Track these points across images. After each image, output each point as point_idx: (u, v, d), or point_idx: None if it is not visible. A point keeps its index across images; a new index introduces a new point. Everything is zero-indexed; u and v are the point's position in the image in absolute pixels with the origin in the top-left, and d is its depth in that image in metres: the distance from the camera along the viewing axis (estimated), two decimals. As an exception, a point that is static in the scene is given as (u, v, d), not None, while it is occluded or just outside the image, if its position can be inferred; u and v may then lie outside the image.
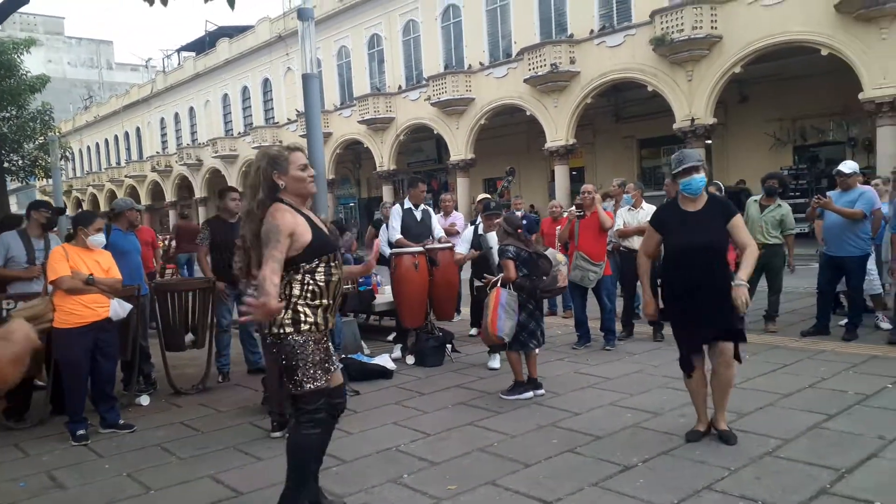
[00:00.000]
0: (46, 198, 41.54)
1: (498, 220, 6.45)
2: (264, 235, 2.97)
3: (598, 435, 4.29)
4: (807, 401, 4.76)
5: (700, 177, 3.94)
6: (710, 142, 19.59)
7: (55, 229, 6.48)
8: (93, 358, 4.81)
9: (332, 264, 3.11)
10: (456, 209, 9.46)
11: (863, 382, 5.11)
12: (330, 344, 3.18)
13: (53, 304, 4.68)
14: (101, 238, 4.97)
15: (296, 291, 3.02)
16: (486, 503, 3.39)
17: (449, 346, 6.79)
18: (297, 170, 3.10)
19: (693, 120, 18.30)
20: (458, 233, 7.74)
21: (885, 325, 6.92)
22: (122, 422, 5.00)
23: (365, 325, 8.37)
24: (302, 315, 3.01)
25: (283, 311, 2.98)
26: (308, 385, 3.02)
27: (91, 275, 4.76)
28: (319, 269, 3.06)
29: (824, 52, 16.01)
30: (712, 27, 17.58)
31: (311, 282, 3.04)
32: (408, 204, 7.16)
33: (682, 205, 4.03)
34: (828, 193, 6.83)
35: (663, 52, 18.37)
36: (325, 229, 3.17)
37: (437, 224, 7.32)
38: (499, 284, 5.26)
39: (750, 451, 3.83)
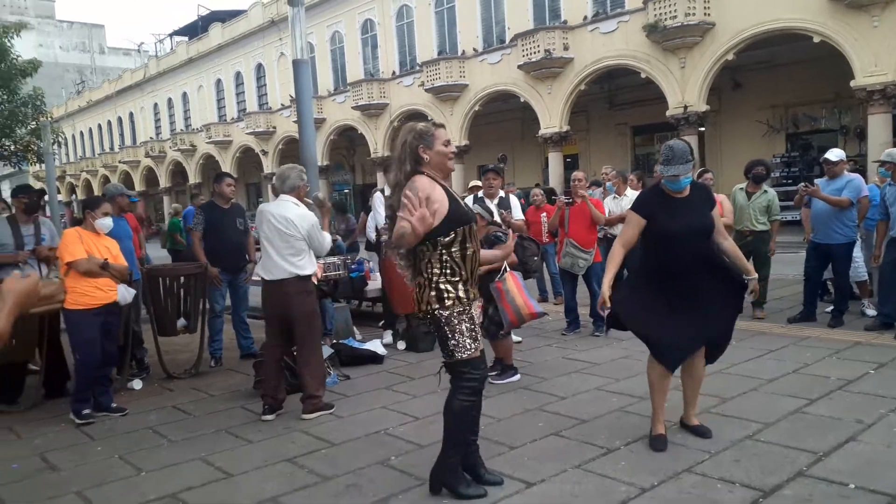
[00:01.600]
0: (40, 183, 41.32)
1: (497, 182, 6.46)
2: (406, 200, 3.12)
3: (584, 419, 4.37)
4: (790, 386, 4.84)
5: (687, 178, 3.81)
6: (703, 129, 19.66)
7: (48, 214, 6.51)
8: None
9: (469, 237, 3.25)
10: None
11: (846, 368, 5.20)
12: (476, 311, 3.32)
13: (66, 287, 4.76)
14: (107, 221, 5.04)
15: (436, 270, 3.21)
16: (471, 484, 3.45)
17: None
18: (442, 145, 3.28)
19: (686, 107, 18.34)
20: None
21: (871, 311, 7.01)
22: (114, 405, 5.06)
23: (357, 311, 8.42)
24: (445, 292, 3.20)
25: (428, 289, 3.22)
26: (459, 354, 3.23)
27: (106, 259, 4.85)
28: (455, 243, 3.20)
29: (816, 40, 16.04)
30: (705, 14, 17.58)
31: (448, 259, 3.21)
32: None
33: (668, 191, 3.90)
34: (815, 181, 6.89)
35: (656, 38, 18.37)
36: (462, 203, 3.33)
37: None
38: (509, 270, 5.33)
39: (731, 435, 3.91)
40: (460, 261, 3.22)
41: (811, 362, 5.42)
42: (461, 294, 3.22)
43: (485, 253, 3.55)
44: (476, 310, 3.34)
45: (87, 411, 4.85)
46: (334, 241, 7.78)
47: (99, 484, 3.71)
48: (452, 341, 3.22)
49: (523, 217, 6.98)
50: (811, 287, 7.04)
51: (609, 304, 3.80)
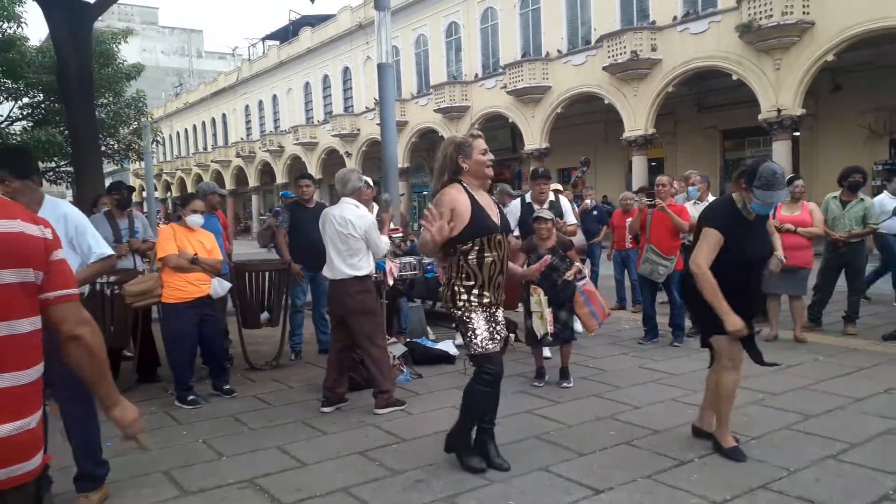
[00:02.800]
0: (139, 180, 43.40)
1: (547, 187, 6.33)
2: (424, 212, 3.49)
3: (657, 429, 4.28)
4: (881, 406, 4.58)
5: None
6: (797, 134, 18.78)
7: (146, 210, 6.90)
8: (202, 334, 5.22)
9: (489, 246, 3.51)
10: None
11: (945, 389, 4.88)
12: (498, 314, 3.64)
13: (162, 281, 5.07)
14: (196, 218, 5.31)
15: (454, 273, 3.57)
16: (537, 487, 3.46)
17: (512, 335, 6.83)
18: (479, 154, 3.56)
19: (780, 111, 17.56)
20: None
21: (977, 330, 6.53)
22: (226, 387, 5.46)
23: (431, 311, 8.52)
24: (458, 294, 3.55)
25: (447, 288, 3.60)
26: (475, 349, 3.56)
27: (195, 254, 5.13)
28: (473, 251, 3.50)
29: (927, 39, 15.05)
30: (804, 12, 16.78)
31: (464, 264, 3.52)
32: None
33: (741, 209, 3.72)
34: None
35: (750, 39, 17.68)
36: (493, 212, 3.57)
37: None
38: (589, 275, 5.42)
39: (812, 454, 3.75)
40: (476, 268, 3.51)
41: (907, 382, 5.12)
42: (472, 297, 3.52)
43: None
44: (499, 313, 3.63)
45: (191, 397, 5.15)
46: (411, 241, 7.91)
47: (183, 465, 3.93)
48: (467, 337, 3.57)
49: (576, 221, 6.77)
50: (910, 302, 6.63)
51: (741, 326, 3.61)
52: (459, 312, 3.55)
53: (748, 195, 3.63)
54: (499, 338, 3.62)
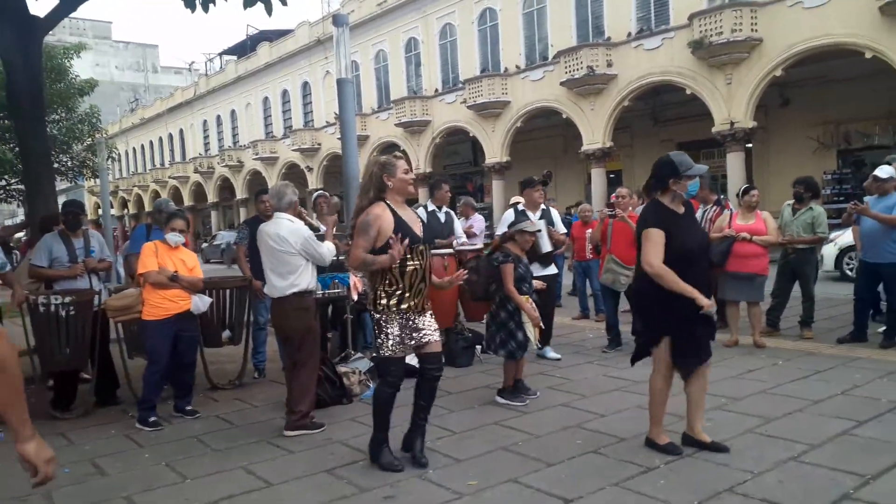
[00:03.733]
0: (94, 198, 42.31)
1: (539, 194, 6.47)
2: (358, 227, 3.79)
3: (623, 437, 4.32)
4: (837, 407, 4.71)
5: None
6: (750, 145, 19.31)
7: (101, 226, 6.73)
8: (175, 348, 5.14)
9: (412, 255, 3.79)
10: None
11: (897, 390, 5.03)
12: (419, 320, 3.87)
13: (143, 298, 5.06)
14: (174, 236, 5.25)
15: (378, 279, 3.84)
16: (507, 499, 3.46)
17: (479, 346, 6.85)
18: (402, 173, 3.87)
19: (732, 123, 18.06)
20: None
21: (925, 332, 6.76)
22: (188, 408, 5.34)
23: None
24: (378, 298, 3.83)
25: (371, 293, 3.88)
26: (383, 352, 3.85)
27: (175, 272, 5.06)
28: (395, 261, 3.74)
29: (868, 55, 15.66)
30: (752, 29, 17.34)
31: (388, 272, 3.79)
32: (431, 206, 7.18)
33: (671, 207, 3.95)
34: (864, 199, 6.73)
35: (702, 55, 18.18)
36: (416, 225, 3.88)
37: (460, 226, 7.37)
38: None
39: (774, 456, 3.83)
40: (398, 276, 3.80)
41: (861, 383, 5.26)
42: (392, 303, 3.79)
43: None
44: (422, 319, 3.87)
45: (153, 419, 5.03)
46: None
47: (146, 490, 3.82)
48: (379, 339, 3.85)
49: (565, 230, 6.99)
50: (862, 306, 6.84)
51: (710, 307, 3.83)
52: (378, 316, 3.82)
53: (680, 186, 3.91)
54: (413, 343, 3.86)
